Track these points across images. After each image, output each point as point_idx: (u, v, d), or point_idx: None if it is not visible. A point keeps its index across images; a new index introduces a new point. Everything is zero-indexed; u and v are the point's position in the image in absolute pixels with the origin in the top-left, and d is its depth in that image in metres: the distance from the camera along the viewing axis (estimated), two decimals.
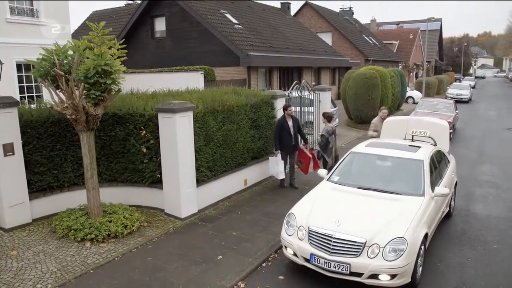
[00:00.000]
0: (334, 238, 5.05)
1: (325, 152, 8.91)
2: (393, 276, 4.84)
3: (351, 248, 4.96)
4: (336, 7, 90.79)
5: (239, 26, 20.90)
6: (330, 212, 5.50)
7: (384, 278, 4.86)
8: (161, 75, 16.12)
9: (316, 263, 5.11)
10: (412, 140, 7.49)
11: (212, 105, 7.95)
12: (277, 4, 32.07)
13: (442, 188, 6.03)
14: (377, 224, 5.13)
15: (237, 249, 6.25)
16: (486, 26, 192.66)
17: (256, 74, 19.38)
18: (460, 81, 51.41)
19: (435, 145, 7.39)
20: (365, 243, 4.92)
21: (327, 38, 34.77)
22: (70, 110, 6.13)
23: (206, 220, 7.43)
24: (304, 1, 38.00)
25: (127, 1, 29.36)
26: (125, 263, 5.82)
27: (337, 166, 6.85)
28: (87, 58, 6.25)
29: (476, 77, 63.56)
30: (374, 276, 4.86)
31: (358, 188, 6.12)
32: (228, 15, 21.28)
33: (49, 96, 6.57)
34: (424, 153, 6.64)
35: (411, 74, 45.85)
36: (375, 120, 9.75)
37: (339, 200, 5.87)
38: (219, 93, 8.90)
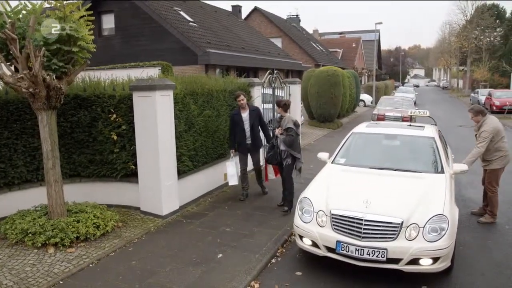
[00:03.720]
0: (365, 220, 4.31)
1: (294, 148, 6.63)
2: (435, 260, 4.18)
3: (387, 230, 4.24)
4: (283, 14, 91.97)
5: (194, 24, 19.93)
6: (353, 193, 4.77)
7: (425, 263, 4.18)
8: (113, 72, 14.60)
9: (344, 251, 4.32)
10: (411, 120, 7.05)
11: (192, 87, 6.99)
12: (227, 7, 31.50)
13: (461, 164, 5.54)
14: (410, 202, 4.49)
15: (237, 246, 5.31)
16: (415, 40, 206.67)
17: (214, 74, 18.45)
18: (402, 86, 54.10)
19: (436, 125, 7.00)
20: (402, 223, 4.23)
21: (277, 43, 34.60)
22: (27, 82, 4.89)
23: (190, 217, 6.40)
24: (253, 7, 37.80)
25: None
26: (103, 269, 4.66)
27: (340, 148, 6.18)
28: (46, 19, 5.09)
29: (413, 85, 67.23)
30: (414, 261, 4.18)
31: (371, 168, 5.47)
32: (182, 13, 20.22)
33: None
34: (432, 131, 6.20)
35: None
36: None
37: (357, 181, 5.17)
38: (194, 78, 7.92)
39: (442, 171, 5.29)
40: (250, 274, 4.55)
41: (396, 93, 34.26)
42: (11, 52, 5.08)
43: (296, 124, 6.65)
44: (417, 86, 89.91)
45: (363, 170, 5.45)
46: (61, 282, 4.35)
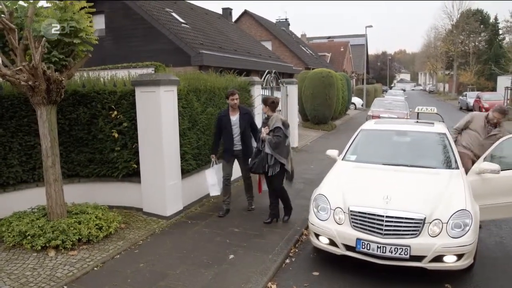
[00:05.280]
0: (387, 217, 4.14)
1: (279, 152, 5.62)
2: (459, 257, 4.04)
3: (409, 226, 4.08)
4: (272, 18, 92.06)
5: (187, 26, 19.71)
6: (371, 190, 4.61)
7: (449, 260, 4.03)
8: (105, 73, 14.32)
9: (365, 249, 4.14)
10: (418, 117, 6.94)
11: (194, 83, 6.77)
12: (216, 10, 31.35)
13: (488, 163, 5.12)
14: (431, 198, 4.33)
15: (248, 246, 5.09)
16: (401, 45, 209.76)
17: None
18: (390, 89, 54.66)
19: (443, 121, 6.91)
20: (425, 219, 4.07)
21: (267, 46, 34.55)
22: (26, 74, 4.61)
23: (195, 218, 6.15)
24: (243, 10, 37.74)
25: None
26: (110, 273, 4.39)
27: (350, 146, 6.01)
28: (45, 10, 4.84)
29: (401, 89, 67.91)
30: (438, 258, 4.02)
31: (384, 164, 5.31)
32: (174, 14, 19.99)
33: None
34: (443, 127, 6.10)
35: None
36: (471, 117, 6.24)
37: (373, 178, 5.00)
38: (196, 74, 7.71)
39: (457, 167, 5.16)
40: (266, 275, 4.33)
41: (386, 96, 34.50)
42: (7, 44, 4.82)
43: (285, 124, 5.79)
44: (403, 90, 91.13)
45: (377, 166, 5.28)
46: (65, 287, 4.07)
